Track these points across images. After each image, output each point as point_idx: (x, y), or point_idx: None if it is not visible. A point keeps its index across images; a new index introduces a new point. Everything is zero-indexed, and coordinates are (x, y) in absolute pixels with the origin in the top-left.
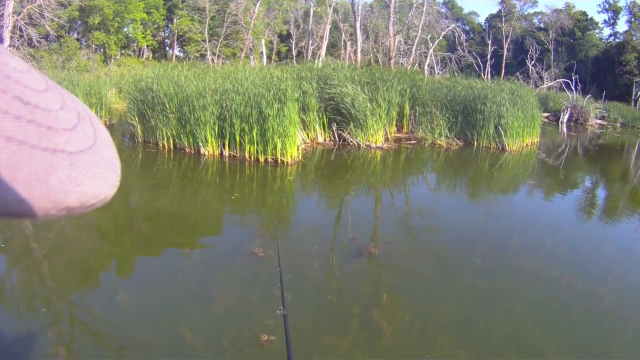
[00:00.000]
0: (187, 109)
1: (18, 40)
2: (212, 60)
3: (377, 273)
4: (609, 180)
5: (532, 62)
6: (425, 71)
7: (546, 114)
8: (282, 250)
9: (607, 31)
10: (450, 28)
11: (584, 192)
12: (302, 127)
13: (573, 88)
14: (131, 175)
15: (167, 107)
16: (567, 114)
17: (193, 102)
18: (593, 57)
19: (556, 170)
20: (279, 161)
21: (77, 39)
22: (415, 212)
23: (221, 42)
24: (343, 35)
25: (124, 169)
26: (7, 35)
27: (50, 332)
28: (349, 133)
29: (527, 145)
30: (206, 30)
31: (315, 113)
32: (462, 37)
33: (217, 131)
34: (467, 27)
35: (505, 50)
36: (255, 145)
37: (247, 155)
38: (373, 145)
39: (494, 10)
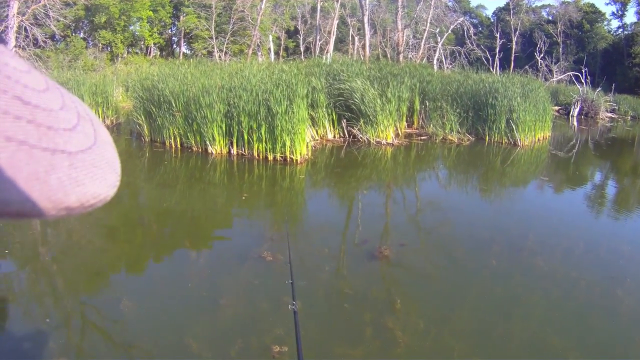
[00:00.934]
0: (193, 107)
1: (24, 41)
2: (220, 57)
3: (390, 277)
4: (622, 175)
5: (541, 55)
6: (435, 65)
7: (556, 108)
8: (293, 253)
9: (615, 23)
10: (459, 21)
11: (598, 187)
12: (311, 123)
13: (583, 81)
14: (138, 175)
15: (174, 105)
16: (578, 108)
17: (199, 100)
18: (602, 50)
19: (569, 166)
20: (288, 159)
21: (84, 39)
22: (428, 211)
23: (228, 39)
24: (351, 30)
25: (131, 168)
26: (12, 36)
27: (51, 340)
28: (358, 129)
29: (538, 139)
30: (213, 27)
31: (324, 109)
32: (471, 31)
33: (224, 129)
34: (475, 21)
35: (514, 43)
36: (264, 143)
37: (255, 154)
38: (383, 141)
39: (502, 3)
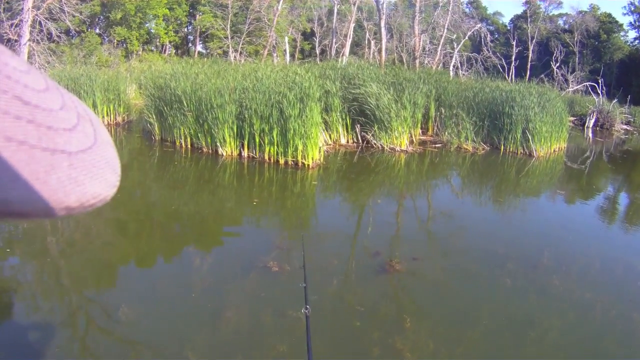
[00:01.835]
0: (205, 107)
1: (38, 35)
2: (235, 57)
3: (401, 293)
4: (638, 190)
5: (557, 65)
6: (451, 72)
7: (572, 118)
8: (300, 263)
9: (632, 34)
10: (476, 28)
11: (614, 203)
12: (324, 127)
13: (600, 92)
14: (147, 176)
15: (185, 105)
16: (593, 119)
17: (211, 101)
18: (618, 61)
19: (585, 179)
20: (300, 164)
21: (99, 35)
22: (442, 223)
23: (244, 39)
24: (367, 34)
25: (140, 167)
26: (26, 29)
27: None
28: (372, 135)
29: (554, 151)
30: (228, 26)
31: (338, 113)
32: (488, 38)
33: (235, 131)
34: (491, 28)
35: (531, 51)
36: (276, 146)
37: (266, 157)
38: (397, 148)
39: (519, 10)
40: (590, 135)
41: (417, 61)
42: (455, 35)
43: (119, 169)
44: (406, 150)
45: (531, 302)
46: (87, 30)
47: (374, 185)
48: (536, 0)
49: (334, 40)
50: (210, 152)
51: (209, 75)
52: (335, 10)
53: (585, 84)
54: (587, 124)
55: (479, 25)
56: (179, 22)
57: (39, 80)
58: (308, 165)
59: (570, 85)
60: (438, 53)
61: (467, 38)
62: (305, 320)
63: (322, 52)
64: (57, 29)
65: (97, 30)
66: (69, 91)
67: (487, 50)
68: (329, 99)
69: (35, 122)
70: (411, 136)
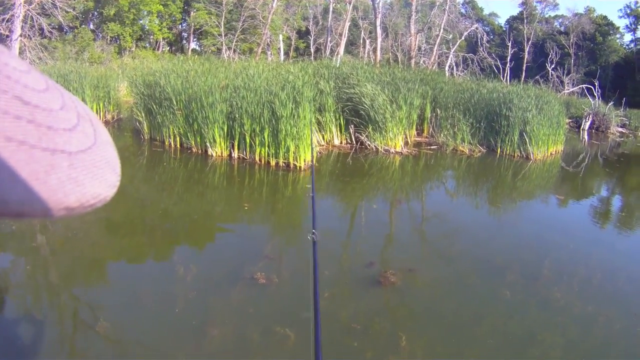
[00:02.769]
0: (194, 106)
1: (29, 30)
2: (228, 55)
3: (396, 308)
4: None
5: (552, 66)
6: (447, 72)
7: (567, 120)
8: (290, 273)
9: (628, 37)
10: (472, 28)
11: (614, 208)
12: (317, 128)
13: (595, 94)
14: (134, 177)
15: (174, 103)
16: (589, 121)
17: (201, 99)
18: (613, 63)
19: (583, 183)
20: (292, 165)
21: (93, 30)
22: (438, 230)
23: (238, 37)
24: (362, 32)
25: (128, 168)
26: (18, 25)
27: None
28: (367, 136)
29: (551, 154)
30: (222, 23)
31: (331, 114)
32: (484, 38)
33: (226, 131)
34: (487, 29)
35: (527, 53)
36: (266, 147)
37: (257, 158)
38: (392, 150)
39: (515, 12)
40: (586, 137)
41: (413, 61)
42: (451, 36)
43: (119, 169)
44: (401, 152)
45: (532, 316)
46: (80, 26)
47: (368, 189)
48: (532, 2)
49: (329, 39)
50: (200, 152)
51: (200, 73)
52: (331, 9)
53: (581, 86)
54: (582, 126)
55: (475, 26)
56: (173, 18)
57: (39, 80)
58: (300, 167)
59: (566, 87)
60: (434, 53)
61: (462, 38)
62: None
63: (317, 50)
64: (49, 25)
65: (91, 26)
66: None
67: (483, 50)
68: (323, 99)
69: (35, 122)
70: (406, 137)
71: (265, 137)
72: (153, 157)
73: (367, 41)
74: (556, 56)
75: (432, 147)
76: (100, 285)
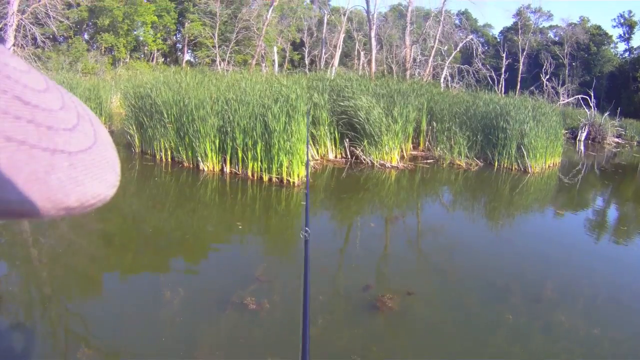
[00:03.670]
0: (186, 119)
1: (22, 40)
2: (222, 66)
3: (394, 335)
4: (638, 209)
5: (547, 77)
6: (442, 83)
7: (564, 131)
8: (282, 299)
9: (622, 46)
10: (467, 39)
11: (617, 222)
12: (311, 142)
13: (591, 104)
14: (124, 193)
15: (165, 116)
16: (585, 132)
17: (192, 113)
18: (608, 73)
19: (582, 196)
20: (285, 181)
21: (87, 41)
22: (436, 249)
23: (232, 48)
24: (357, 44)
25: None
26: (11, 34)
27: None
28: (362, 150)
29: (549, 166)
30: (216, 35)
31: (326, 127)
32: (479, 50)
33: (217, 145)
34: (481, 40)
35: (521, 64)
36: (259, 162)
37: (249, 173)
38: (388, 164)
39: (509, 22)
40: (583, 148)
41: (408, 72)
42: (446, 47)
43: (118, 169)
44: (397, 167)
45: (536, 342)
46: (74, 37)
47: (364, 206)
48: (526, 12)
49: (324, 51)
50: (192, 166)
51: (191, 86)
52: (325, 21)
53: (576, 96)
54: (579, 137)
55: (470, 37)
56: (167, 29)
57: (39, 81)
58: (293, 183)
59: (561, 98)
60: (429, 65)
61: (458, 50)
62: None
63: (312, 62)
64: (42, 35)
65: (85, 37)
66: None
67: (478, 62)
68: (317, 112)
69: (35, 122)
70: (402, 151)
71: (258, 151)
72: (144, 172)
73: (362, 53)
74: (551, 67)
75: (428, 160)
76: (80, 314)
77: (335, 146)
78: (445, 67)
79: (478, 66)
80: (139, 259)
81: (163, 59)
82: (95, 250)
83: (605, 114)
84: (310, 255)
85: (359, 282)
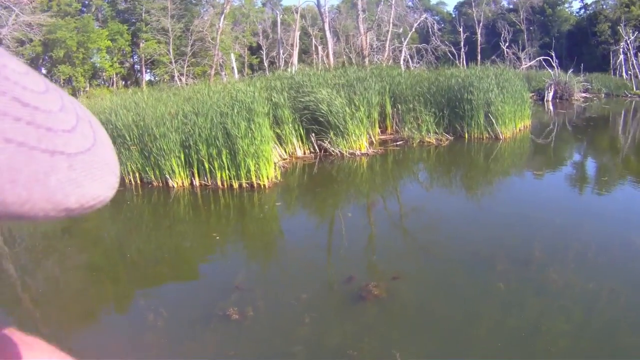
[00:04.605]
0: (148, 138)
1: None
2: (181, 80)
3: (385, 323)
4: (614, 155)
5: (507, 45)
6: (402, 66)
7: (530, 94)
8: (265, 305)
9: (577, 4)
10: (422, 19)
11: (596, 174)
12: (277, 142)
13: (554, 64)
14: (98, 223)
15: (128, 138)
16: (552, 92)
17: (152, 130)
18: (566, 32)
19: (557, 154)
20: (255, 185)
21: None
22: (417, 229)
23: (189, 61)
24: (313, 40)
25: (89, 215)
26: None
27: None
28: (329, 142)
29: (519, 130)
30: (171, 50)
31: (290, 125)
32: (435, 27)
33: (183, 160)
34: (436, 18)
35: (479, 35)
36: (227, 170)
37: (219, 183)
38: (357, 152)
39: None
40: (552, 108)
41: (367, 60)
42: (401, 29)
43: (117, 171)
44: (367, 153)
45: (531, 306)
46: None
47: (339, 196)
48: None
49: (282, 51)
50: (161, 185)
51: (149, 104)
52: (279, 21)
53: (538, 59)
54: (546, 97)
55: (424, 16)
56: (123, 52)
57: (39, 82)
58: (264, 185)
59: (523, 63)
60: (387, 49)
61: (413, 30)
62: None
63: (271, 64)
64: None
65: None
66: None
67: (436, 39)
68: (278, 112)
69: (35, 124)
70: (370, 137)
71: (224, 159)
72: (115, 198)
73: (320, 47)
74: (509, 34)
75: (398, 142)
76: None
77: (302, 143)
78: (404, 49)
79: (436, 44)
80: (119, 285)
81: (123, 82)
82: (76, 280)
83: (569, 72)
84: (291, 253)
85: (342, 274)
